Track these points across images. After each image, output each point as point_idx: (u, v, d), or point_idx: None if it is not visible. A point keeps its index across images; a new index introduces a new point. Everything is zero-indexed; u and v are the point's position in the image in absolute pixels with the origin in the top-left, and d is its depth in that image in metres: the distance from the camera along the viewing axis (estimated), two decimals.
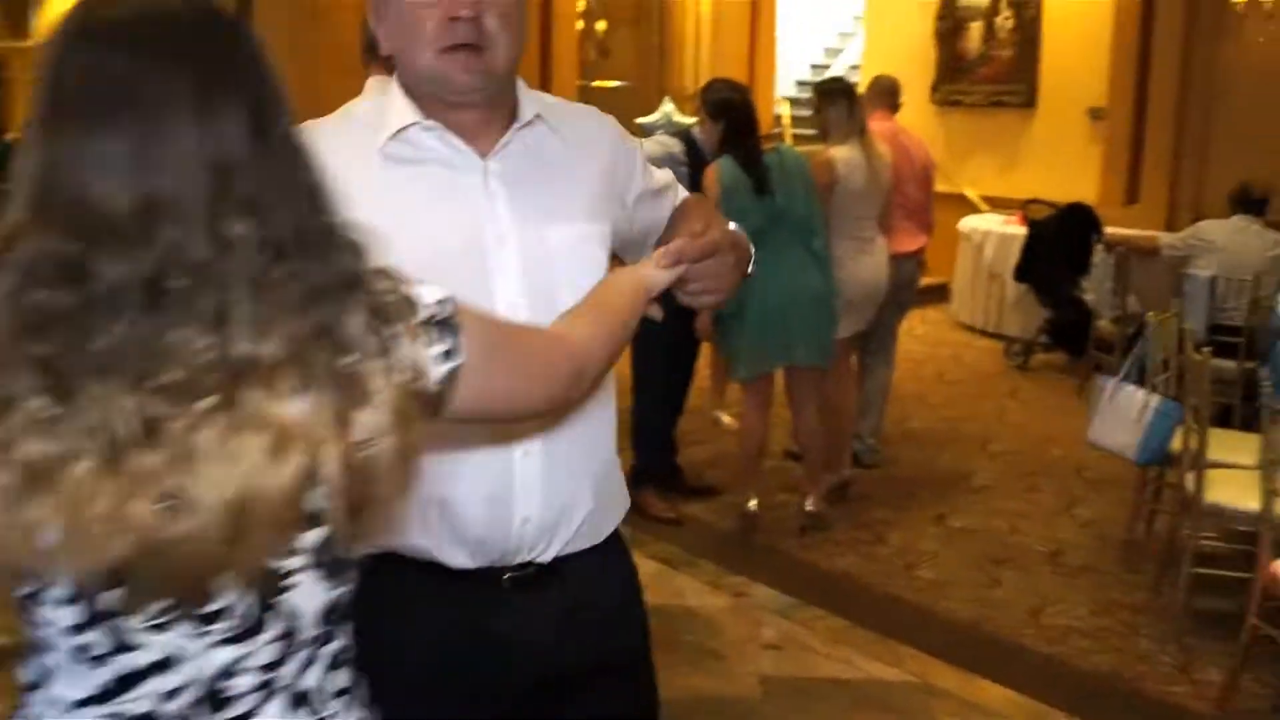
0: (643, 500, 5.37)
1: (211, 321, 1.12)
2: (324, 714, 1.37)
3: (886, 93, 6.63)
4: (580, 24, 10.02)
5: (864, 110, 5.98)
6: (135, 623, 1.21)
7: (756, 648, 4.52)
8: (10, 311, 1.10)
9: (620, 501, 2.08)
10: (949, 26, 11.30)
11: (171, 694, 1.25)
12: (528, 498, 1.86)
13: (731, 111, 5.30)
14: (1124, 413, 4.99)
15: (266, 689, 1.31)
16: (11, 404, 1.09)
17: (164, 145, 1.15)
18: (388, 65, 1.95)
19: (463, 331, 1.38)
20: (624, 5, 11.21)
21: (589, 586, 1.97)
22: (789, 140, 10.68)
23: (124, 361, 1.10)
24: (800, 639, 4.58)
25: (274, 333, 1.15)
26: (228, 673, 1.27)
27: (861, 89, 6.53)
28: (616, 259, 2.06)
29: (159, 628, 1.22)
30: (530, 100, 1.91)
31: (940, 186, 7.31)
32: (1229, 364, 6.18)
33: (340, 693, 1.40)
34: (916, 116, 10.06)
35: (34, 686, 1.29)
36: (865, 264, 5.76)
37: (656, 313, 1.84)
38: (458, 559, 1.86)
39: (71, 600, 1.20)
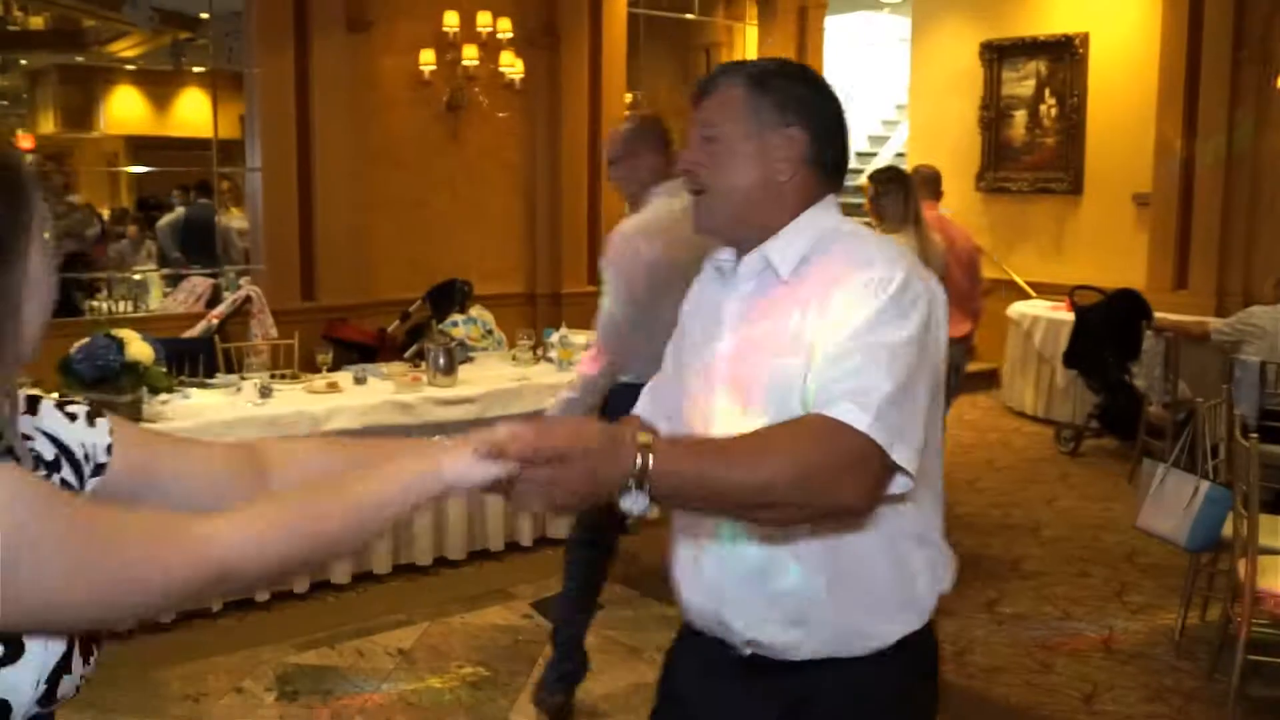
0: None
1: None
2: None
3: (928, 181, 6.72)
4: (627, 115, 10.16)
5: (918, 199, 6.06)
6: None
7: None
8: None
9: None
10: (993, 114, 11.39)
11: None
12: None
13: None
14: (1174, 499, 4.98)
15: None
16: None
17: None
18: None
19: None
20: (670, 99, 11.37)
21: None
22: None
23: None
24: None
25: None
26: None
27: None
28: None
29: None
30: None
31: (988, 272, 7.35)
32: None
33: None
34: (962, 203, 10.15)
35: None
36: None
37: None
38: None
39: None
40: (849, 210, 2.48)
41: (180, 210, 11.28)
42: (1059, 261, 10.79)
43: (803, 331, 2.00)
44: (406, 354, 7.21)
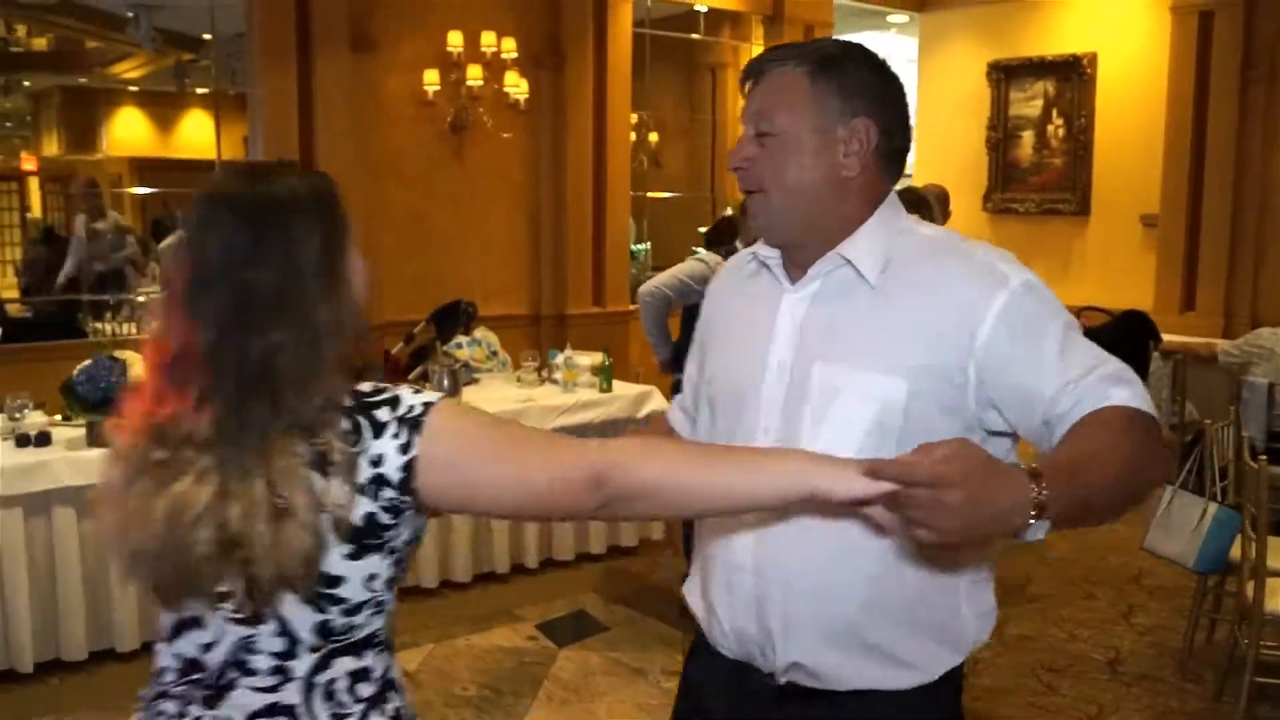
0: None
1: None
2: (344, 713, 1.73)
3: (938, 201, 6.70)
4: (633, 136, 10.18)
5: (937, 220, 6.05)
6: None
7: None
8: None
9: None
10: (1000, 135, 11.39)
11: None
12: None
13: None
14: (1182, 520, 4.95)
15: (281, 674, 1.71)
16: None
17: None
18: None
19: (425, 428, 1.66)
20: (675, 118, 11.37)
21: None
22: None
23: None
24: None
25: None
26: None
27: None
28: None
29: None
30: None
31: None
32: None
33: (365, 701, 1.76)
34: (969, 223, 10.14)
35: None
36: None
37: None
38: None
39: None
40: None
41: (181, 232, 11.22)
42: (1066, 282, 10.76)
43: (906, 351, 1.90)
44: (411, 376, 7.19)
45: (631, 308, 8.55)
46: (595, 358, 6.65)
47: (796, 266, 2.06)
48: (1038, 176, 11.16)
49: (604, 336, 8.51)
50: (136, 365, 5.16)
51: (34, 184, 13.41)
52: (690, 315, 5.39)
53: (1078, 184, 10.84)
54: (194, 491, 1.60)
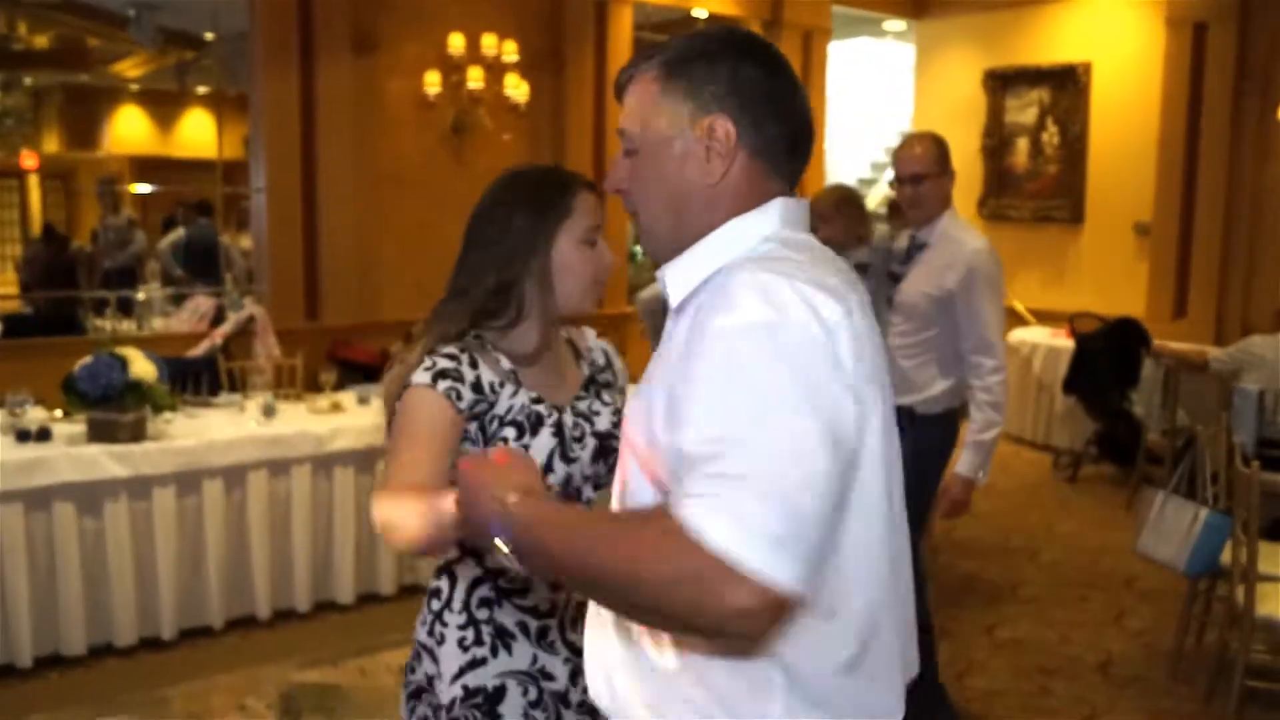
0: None
1: None
2: None
3: None
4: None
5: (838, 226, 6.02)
6: None
7: None
8: None
9: None
10: (995, 142, 11.44)
11: None
12: None
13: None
14: (1173, 525, 4.99)
15: None
16: None
17: None
18: None
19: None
20: None
21: None
22: None
23: None
24: None
25: None
26: None
27: None
28: None
29: None
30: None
31: None
32: (1278, 477, 6.17)
33: None
34: None
35: None
36: None
37: None
38: None
39: None
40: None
41: (181, 230, 11.29)
42: (1059, 289, 10.83)
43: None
44: None
45: (630, 310, 8.58)
46: None
47: None
48: (1032, 184, 11.22)
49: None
50: (137, 362, 5.19)
51: (34, 181, 13.43)
52: None
53: (1072, 192, 10.89)
54: None
